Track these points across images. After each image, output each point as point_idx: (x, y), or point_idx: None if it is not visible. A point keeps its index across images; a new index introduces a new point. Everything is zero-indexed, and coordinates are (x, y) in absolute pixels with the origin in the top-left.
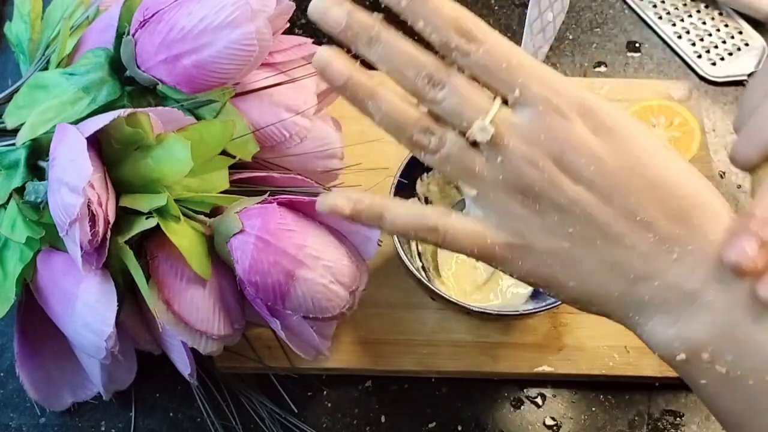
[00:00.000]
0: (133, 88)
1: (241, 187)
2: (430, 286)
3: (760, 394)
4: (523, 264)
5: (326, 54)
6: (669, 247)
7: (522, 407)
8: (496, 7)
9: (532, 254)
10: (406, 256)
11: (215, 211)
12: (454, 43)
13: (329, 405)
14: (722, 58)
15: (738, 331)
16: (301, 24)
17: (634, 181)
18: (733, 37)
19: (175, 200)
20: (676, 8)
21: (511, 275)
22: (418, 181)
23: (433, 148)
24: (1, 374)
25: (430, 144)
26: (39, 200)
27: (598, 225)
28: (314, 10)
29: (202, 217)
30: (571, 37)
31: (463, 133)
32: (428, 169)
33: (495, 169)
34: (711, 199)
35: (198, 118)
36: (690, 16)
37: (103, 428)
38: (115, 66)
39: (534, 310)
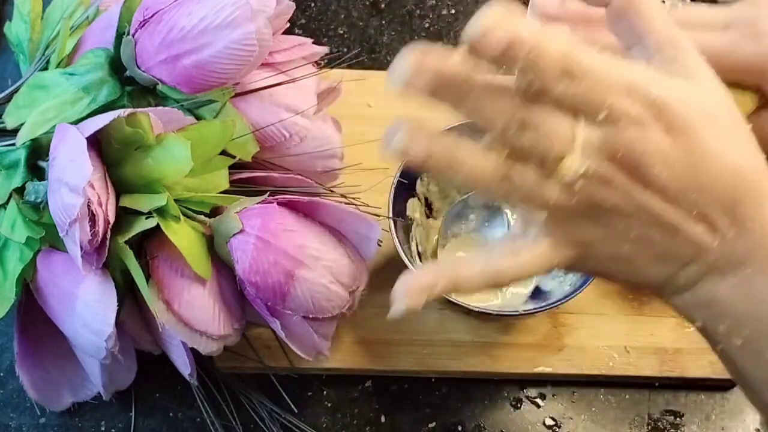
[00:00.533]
0: (133, 88)
1: (241, 187)
2: None
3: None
4: (581, 268)
5: (402, 140)
6: (717, 235)
7: (522, 407)
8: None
9: (591, 259)
10: (406, 256)
11: (215, 211)
12: (555, 88)
13: (329, 405)
14: None
15: (756, 308)
16: (301, 24)
17: (699, 179)
18: None
19: (175, 200)
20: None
21: (568, 271)
22: (418, 181)
23: (513, 192)
24: (1, 374)
25: (510, 189)
26: (39, 200)
27: (660, 224)
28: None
29: (202, 217)
30: None
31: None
32: None
33: (570, 193)
34: (760, 182)
35: (198, 118)
36: None
37: (103, 428)
38: (115, 66)
39: (534, 310)
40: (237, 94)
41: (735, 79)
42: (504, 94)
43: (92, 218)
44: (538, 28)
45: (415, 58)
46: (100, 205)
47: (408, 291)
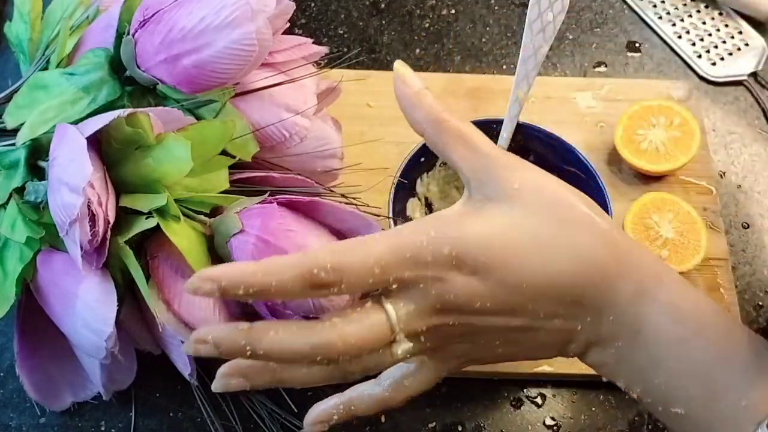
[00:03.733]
0: (133, 88)
1: (241, 187)
2: None
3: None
4: (476, 363)
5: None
6: (576, 322)
7: (522, 407)
8: (496, 7)
9: (479, 362)
10: None
11: (215, 211)
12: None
13: None
14: (722, 58)
15: (637, 373)
16: (301, 24)
17: (527, 294)
18: (733, 37)
19: (175, 200)
20: (676, 8)
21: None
22: (418, 181)
23: (360, 372)
24: (1, 374)
25: (355, 372)
26: (39, 200)
27: (516, 330)
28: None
29: (202, 217)
30: (571, 37)
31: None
32: (428, 169)
33: (417, 344)
34: (603, 268)
35: (198, 118)
36: (690, 16)
37: (103, 428)
38: (115, 66)
39: None
40: (237, 94)
41: None
42: (298, 336)
43: (92, 218)
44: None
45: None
46: (100, 205)
47: (313, 421)
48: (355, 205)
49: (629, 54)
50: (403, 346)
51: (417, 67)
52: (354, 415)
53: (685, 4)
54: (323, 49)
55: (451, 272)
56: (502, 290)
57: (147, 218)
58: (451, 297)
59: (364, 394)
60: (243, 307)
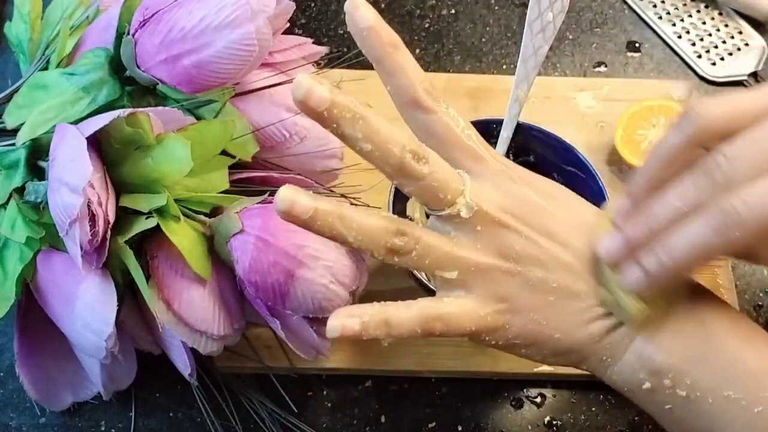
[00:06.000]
0: (133, 88)
1: (241, 187)
2: (430, 286)
3: (719, 410)
4: (512, 327)
5: (288, 193)
6: None
7: (522, 407)
8: (496, 8)
9: (519, 314)
10: None
11: (215, 211)
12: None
13: (329, 405)
14: (722, 58)
15: (692, 355)
16: (301, 24)
17: (585, 233)
18: (733, 37)
19: (175, 200)
20: (676, 8)
21: (498, 345)
22: None
23: (409, 248)
24: (1, 374)
25: (405, 245)
26: (39, 200)
27: (574, 272)
28: (297, 88)
29: (202, 217)
30: (571, 37)
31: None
32: None
33: (472, 240)
34: None
35: (198, 118)
36: (690, 16)
37: (103, 428)
38: (115, 66)
39: None
40: (237, 94)
41: None
42: (399, 129)
43: (92, 218)
44: None
45: (311, 81)
46: (100, 205)
47: (340, 313)
48: (355, 205)
49: (629, 54)
50: (467, 204)
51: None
52: (387, 319)
53: (685, 4)
54: (323, 49)
55: (526, 185)
56: (566, 216)
57: (147, 218)
58: (525, 198)
59: (401, 305)
60: (243, 308)
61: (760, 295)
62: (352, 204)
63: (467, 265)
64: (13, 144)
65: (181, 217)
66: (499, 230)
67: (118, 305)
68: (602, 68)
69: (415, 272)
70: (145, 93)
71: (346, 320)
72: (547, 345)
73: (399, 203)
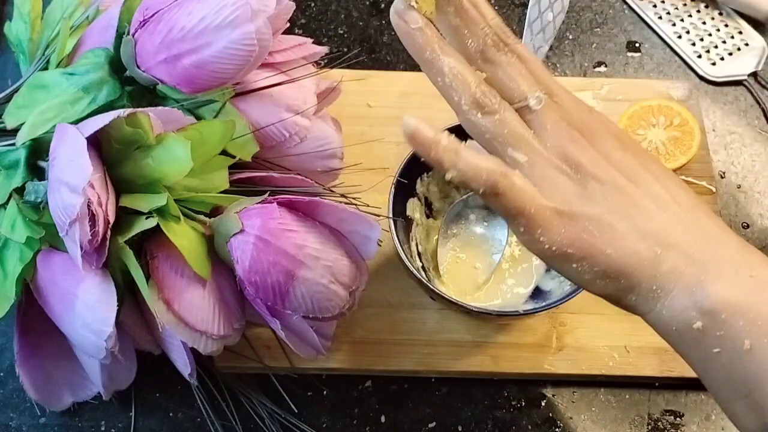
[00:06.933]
0: (133, 88)
1: (241, 187)
2: (430, 286)
3: None
4: (566, 232)
5: (401, 11)
6: (684, 220)
7: (522, 407)
8: (496, 7)
9: (574, 222)
10: (406, 256)
11: (215, 211)
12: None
13: (329, 405)
14: (722, 58)
15: (745, 298)
16: (301, 24)
17: (652, 172)
18: (733, 37)
19: (175, 200)
20: (676, 8)
21: (552, 253)
22: (418, 181)
23: (493, 109)
24: (1, 374)
25: (491, 103)
26: (39, 200)
27: (630, 197)
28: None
29: (202, 217)
30: (571, 37)
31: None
32: (428, 170)
33: (542, 136)
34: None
35: (198, 118)
36: (690, 16)
37: (103, 428)
38: (115, 66)
39: (534, 310)
40: (237, 94)
41: None
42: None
43: (92, 218)
44: None
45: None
46: (100, 205)
47: (417, 120)
48: (355, 205)
49: (629, 54)
50: (538, 96)
51: (417, 67)
52: (457, 153)
53: (685, 4)
54: (323, 49)
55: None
56: (632, 152)
57: (147, 218)
58: (592, 124)
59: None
60: (243, 308)
61: None
62: (352, 203)
63: (535, 156)
64: (13, 144)
65: (181, 217)
66: (565, 136)
67: (118, 305)
68: (602, 68)
69: (415, 273)
70: (145, 93)
71: (422, 125)
72: (598, 260)
73: (399, 203)
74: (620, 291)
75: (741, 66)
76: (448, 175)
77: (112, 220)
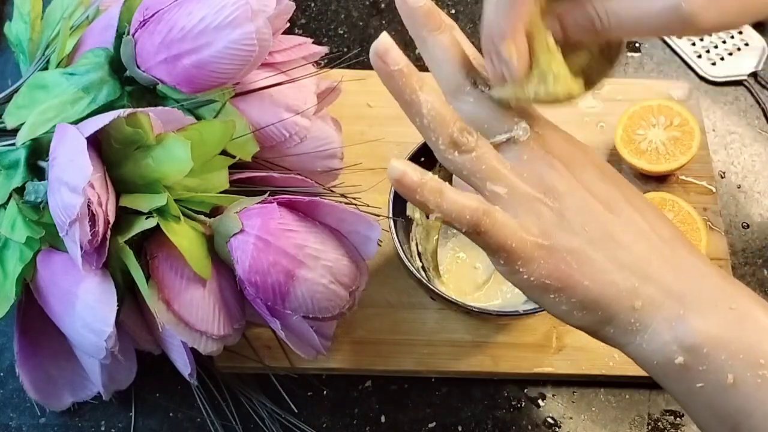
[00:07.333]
0: (133, 88)
1: (241, 187)
2: (430, 286)
3: (754, 389)
4: (545, 263)
5: (386, 41)
6: (663, 252)
7: (522, 407)
8: None
9: (553, 253)
10: (406, 256)
11: (215, 211)
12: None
13: (329, 405)
14: (722, 58)
15: (726, 331)
16: (301, 24)
17: (632, 203)
18: (733, 37)
19: (175, 200)
20: None
21: (531, 284)
22: None
23: (470, 147)
24: (1, 374)
25: (468, 142)
26: (39, 200)
27: (609, 227)
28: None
29: (202, 217)
30: None
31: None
32: (428, 169)
33: (521, 167)
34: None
35: (198, 118)
36: None
37: (103, 428)
38: (115, 66)
39: (534, 310)
40: (237, 94)
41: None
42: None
43: (92, 218)
44: None
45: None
46: (100, 205)
47: (403, 162)
48: (355, 205)
49: (629, 54)
50: (524, 128)
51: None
52: (441, 195)
53: None
54: (323, 49)
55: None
56: (611, 180)
57: (147, 218)
58: (571, 152)
59: (456, 189)
60: (243, 308)
61: (760, 294)
62: (352, 203)
63: (514, 187)
64: (13, 144)
65: (181, 217)
66: (544, 166)
67: (118, 305)
68: None
69: (415, 273)
70: (145, 93)
71: (409, 169)
72: (576, 292)
73: (399, 203)
74: (598, 323)
75: (741, 66)
76: (432, 216)
77: (112, 220)
